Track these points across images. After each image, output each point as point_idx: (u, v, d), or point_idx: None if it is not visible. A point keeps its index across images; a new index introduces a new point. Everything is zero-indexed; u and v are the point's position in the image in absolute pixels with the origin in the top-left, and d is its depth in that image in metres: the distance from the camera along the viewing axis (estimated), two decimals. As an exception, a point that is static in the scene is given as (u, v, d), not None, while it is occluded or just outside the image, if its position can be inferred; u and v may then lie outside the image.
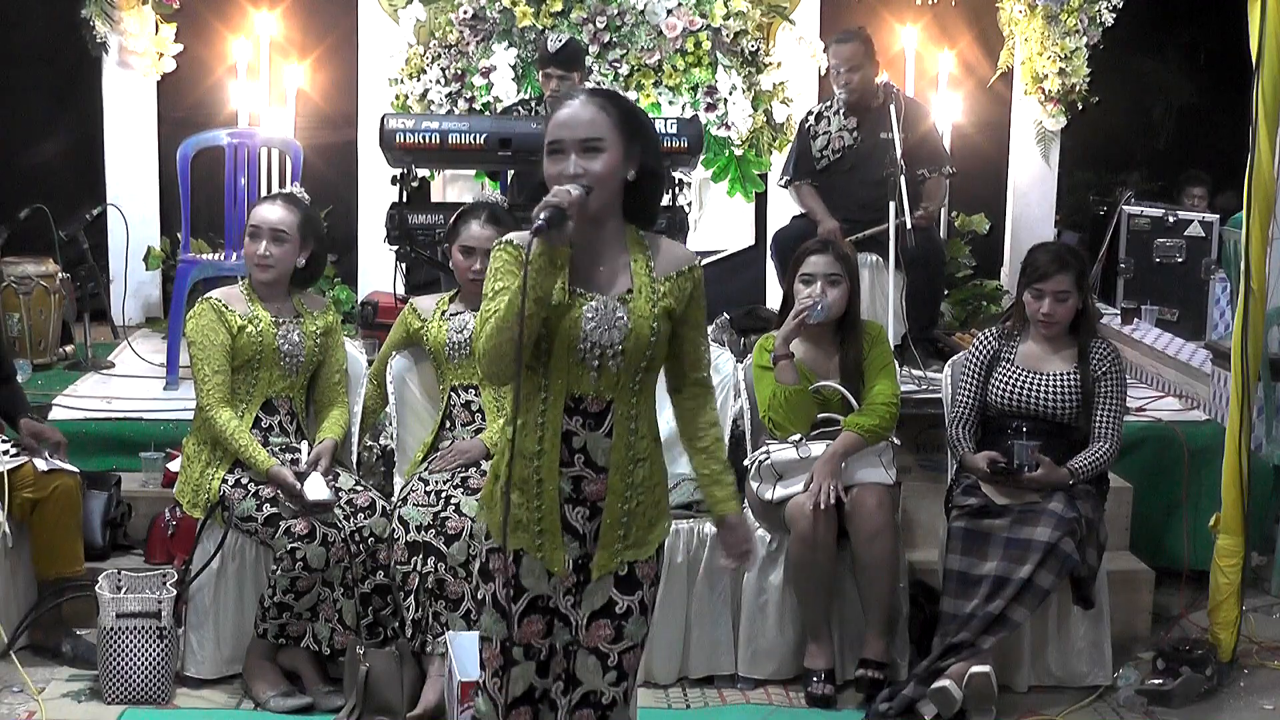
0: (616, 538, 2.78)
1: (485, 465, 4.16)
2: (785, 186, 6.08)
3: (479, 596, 2.83)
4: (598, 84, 6.31)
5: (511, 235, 2.79)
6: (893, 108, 5.52)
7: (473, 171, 6.23)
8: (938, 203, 5.89)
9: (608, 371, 2.73)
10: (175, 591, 4.12)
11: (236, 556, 4.20)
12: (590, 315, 2.72)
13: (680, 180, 5.23)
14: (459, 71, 6.39)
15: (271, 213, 4.28)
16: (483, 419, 4.28)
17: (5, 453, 4.28)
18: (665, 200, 5.16)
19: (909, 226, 5.35)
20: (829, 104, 5.98)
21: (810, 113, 6.07)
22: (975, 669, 4.03)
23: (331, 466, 4.23)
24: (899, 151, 5.41)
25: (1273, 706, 4.30)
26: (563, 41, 5.66)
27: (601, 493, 2.77)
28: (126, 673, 4.04)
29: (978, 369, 4.45)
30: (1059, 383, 4.33)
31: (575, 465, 2.76)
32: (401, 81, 6.47)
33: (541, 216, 2.60)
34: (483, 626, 2.82)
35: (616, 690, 2.79)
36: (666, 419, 2.87)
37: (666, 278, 2.78)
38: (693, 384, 2.91)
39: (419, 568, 3.98)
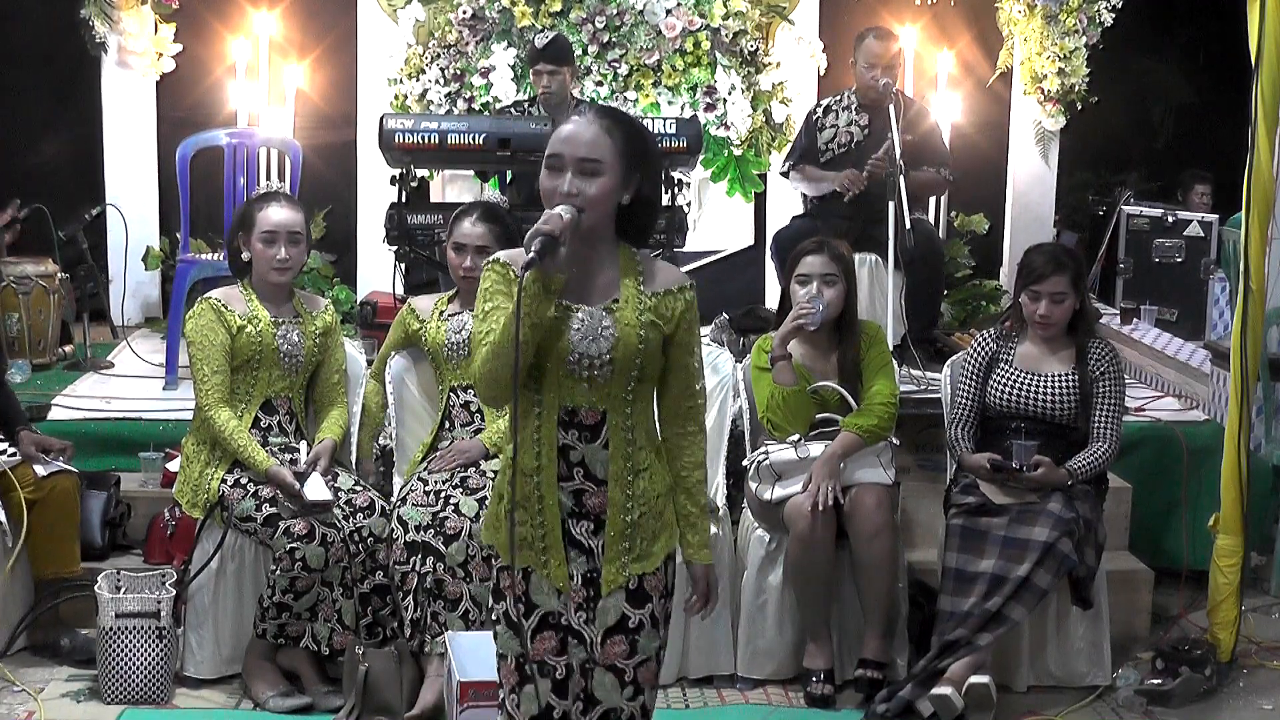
0: (621, 550, 2.75)
1: (485, 465, 4.17)
2: (786, 175, 6.06)
3: (493, 616, 2.80)
4: (597, 84, 6.31)
5: (500, 254, 2.76)
6: (892, 108, 5.51)
7: (472, 171, 6.22)
8: (922, 189, 5.82)
9: (598, 382, 2.70)
10: (174, 591, 4.12)
11: (236, 556, 4.20)
12: (576, 327, 2.69)
13: (680, 180, 5.23)
14: (458, 71, 6.39)
15: (282, 214, 4.27)
16: (481, 419, 4.28)
17: (3, 452, 4.28)
18: (664, 200, 5.16)
19: (908, 227, 5.34)
20: (839, 98, 5.97)
21: (819, 105, 6.05)
22: (975, 679, 4.03)
23: (330, 466, 4.23)
24: (898, 152, 5.40)
25: (1272, 706, 4.30)
26: (549, 36, 5.67)
27: (603, 505, 2.74)
28: (126, 673, 4.04)
29: (976, 370, 4.45)
30: (1057, 383, 4.33)
31: (574, 479, 2.73)
32: (400, 81, 6.47)
33: (534, 247, 2.56)
34: (499, 644, 2.79)
35: (634, 705, 2.78)
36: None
37: (654, 294, 2.74)
38: (684, 416, 2.81)
39: (418, 568, 3.98)
